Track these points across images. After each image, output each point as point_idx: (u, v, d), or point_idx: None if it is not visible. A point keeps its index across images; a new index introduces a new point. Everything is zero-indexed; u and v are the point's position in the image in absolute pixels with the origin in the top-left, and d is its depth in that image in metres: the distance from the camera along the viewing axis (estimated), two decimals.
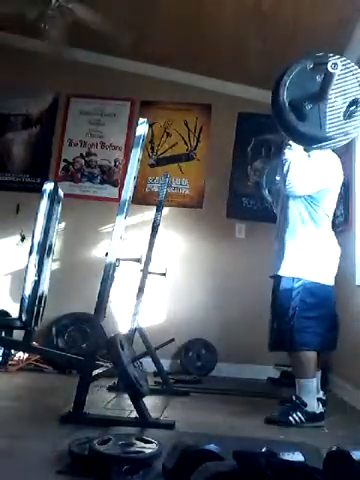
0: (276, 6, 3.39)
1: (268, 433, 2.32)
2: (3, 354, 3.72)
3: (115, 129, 4.74)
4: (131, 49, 4.23)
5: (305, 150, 2.59)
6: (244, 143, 4.61)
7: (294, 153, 2.52)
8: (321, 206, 2.67)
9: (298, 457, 1.33)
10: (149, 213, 4.22)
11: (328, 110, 2.03)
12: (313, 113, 2.02)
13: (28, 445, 1.84)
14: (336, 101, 2.04)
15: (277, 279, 2.66)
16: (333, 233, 2.75)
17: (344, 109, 2.03)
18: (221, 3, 3.55)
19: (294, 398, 2.58)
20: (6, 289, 4.40)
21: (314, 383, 2.58)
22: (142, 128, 2.58)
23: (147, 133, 2.75)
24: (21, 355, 3.82)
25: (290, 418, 2.48)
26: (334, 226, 4.00)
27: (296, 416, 2.48)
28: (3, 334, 3.55)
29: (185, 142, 4.71)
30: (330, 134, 2.05)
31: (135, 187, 2.61)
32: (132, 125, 4.58)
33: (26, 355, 3.79)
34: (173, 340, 2.80)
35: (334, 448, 1.36)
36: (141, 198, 4.45)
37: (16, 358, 3.81)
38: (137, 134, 2.58)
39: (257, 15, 3.53)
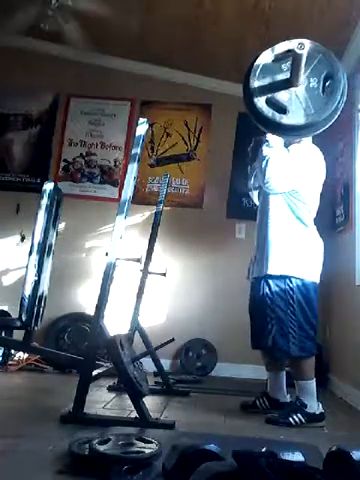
0: (276, 6, 3.39)
1: (268, 433, 2.32)
2: (3, 354, 3.72)
3: (115, 129, 4.74)
4: (131, 49, 4.24)
5: (285, 146, 2.56)
6: (244, 143, 4.59)
7: (273, 150, 2.49)
8: (303, 201, 2.62)
9: (298, 457, 1.33)
10: (149, 213, 4.23)
11: (306, 94, 1.99)
12: (292, 102, 1.98)
13: (28, 445, 1.84)
14: (310, 82, 2.00)
15: (265, 279, 2.59)
16: (316, 228, 2.69)
17: (321, 86, 2.00)
18: (221, 3, 3.55)
19: (294, 399, 2.58)
20: (6, 289, 4.40)
21: (314, 384, 2.58)
22: (142, 128, 2.58)
23: (147, 133, 2.75)
24: (21, 355, 3.82)
25: (290, 419, 2.47)
26: (334, 226, 4.03)
27: (296, 417, 2.48)
28: (3, 334, 3.55)
29: (185, 142, 4.71)
30: (318, 115, 2.01)
31: (135, 187, 2.61)
32: (132, 125, 4.58)
33: (26, 355, 3.80)
34: (173, 340, 2.80)
35: (334, 448, 1.36)
36: (141, 198, 4.45)
37: (16, 358, 3.82)
38: (137, 134, 2.57)
39: (257, 15, 3.53)
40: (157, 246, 3.58)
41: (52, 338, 4.18)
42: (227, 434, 2.19)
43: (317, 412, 2.52)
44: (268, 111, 1.99)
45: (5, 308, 4.12)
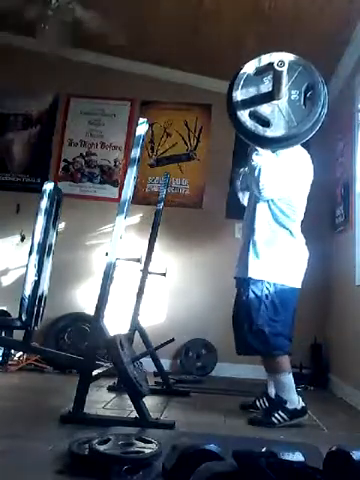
0: (276, 6, 3.39)
1: (268, 433, 2.32)
2: (3, 354, 3.72)
3: (115, 129, 4.74)
4: (131, 49, 4.24)
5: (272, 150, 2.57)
6: (244, 143, 4.58)
7: (262, 157, 2.48)
8: (290, 204, 2.64)
9: (298, 457, 1.32)
10: (149, 213, 4.23)
11: (288, 106, 2.01)
12: (275, 115, 2.02)
13: (28, 445, 1.84)
14: (292, 94, 2.02)
15: (245, 281, 2.63)
16: (302, 235, 2.71)
17: (302, 98, 2.02)
18: (221, 3, 3.55)
19: (274, 397, 2.59)
20: (6, 289, 4.40)
21: (291, 377, 2.56)
22: (142, 128, 2.58)
23: (147, 133, 2.75)
24: (21, 355, 3.82)
25: (273, 419, 2.47)
26: (334, 226, 4.03)
27: (279, 416, 2.47)
28: (3, 334, 3.55)
29: (185, 142, 4.71)
30: (301, 127, 2.03)
31: (135, 187, 2.61)
32: (132, 125, 4.58)
33: (26, 355, 3.79)
34: (173, 340, 2.80)
35: (334, 448, 1.36)
36: (141, 198, 4.45)
37: (16, 358, 3.82)
38: (137, 134, 2.57)
39: (257, 15, 3.53)
40: (157, 246, 3.59)
41: (52, 338, 4.18)
42: (227, 434, 2.19)
43: (298, 407, 2.51)
44: (252, 125, 2.02)
45: (5, 308, 4.12)
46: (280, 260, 2.60)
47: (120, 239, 2.42)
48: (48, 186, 2.48)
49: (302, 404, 2.54)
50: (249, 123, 2.02)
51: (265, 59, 2.02)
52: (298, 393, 2.59)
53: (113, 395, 3.01)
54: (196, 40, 4.03)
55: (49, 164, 4.71)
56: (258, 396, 2.83)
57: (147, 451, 1.61)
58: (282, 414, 2.48)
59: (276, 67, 1.85)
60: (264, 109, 2.02)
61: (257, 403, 2.78)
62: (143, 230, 4.01)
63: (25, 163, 4.77)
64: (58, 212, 2.66)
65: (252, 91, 2.04)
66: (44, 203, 2.45)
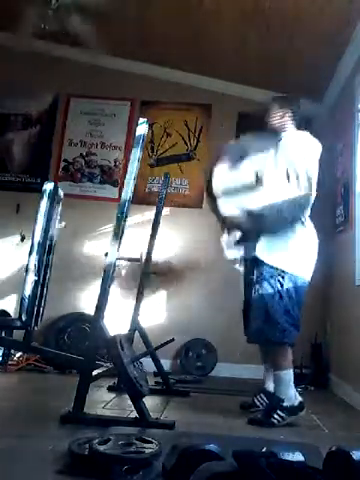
0: (276, 7, 3.39)
1: (268, 433, 2.32)
2: (3, 354, 3.72)
3: (115, 129, 4.74)
4: (131, 49, 4.25)
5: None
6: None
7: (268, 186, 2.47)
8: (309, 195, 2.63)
9: (298, 457, 1.32)
10: (149, 213, 4.22)
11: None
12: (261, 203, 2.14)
13: (28, 445, 1.84)
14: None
15: (259, 264, 2.59)
16: (311, 223, 2.69)
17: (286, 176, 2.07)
18: (221, 3, 3.55)
19: (272, 395, 2.60)
20: (6, 289, 4.40)
21: (291, 373, 2.56)
22: (142, 128, 2.58)
23: (147, 133, 2.75)
24: (21, 355, 3.82)
25: (272, 420, 2.47)
26: (334, 226, 4.03)
27: (278, 416, 2.47)
28: (3, 334, 3.55)
29: (185, 142, 4.71)
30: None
31: (135, 187, 2.61)
32: (132, 125, 4.58)
33: (26, 355, 3.79)
34: (173, 340, 2.80)
35: (334, 448, 1.36)
36: (141, 198, 4.45)
37: (16, 358, 3.82)
38: (137, 134, 2.57)
39: (257, 15, 3.53)
40: (157, 246, 3.58)
41: (52, 338, 4.18)
42: (227, 434, 2.19)
43: (295, 403, 2.52)
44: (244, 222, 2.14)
45: (5, 308, 4.12)
46: (294, 252, 2.59)
47: (120, 239, 2.42)
48: (48, 186, 2.48)
49: (299, 399, 2.54)
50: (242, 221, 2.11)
51: (235, 148, 2.10)
52: (298, 393, 2.59)
53: (113, 395, 3.01)
54: (196, 40, 4.03)
55: (49, 164, 4.71)
56: (255, 393, 2.83)
57: (147, 451, 1.61)
58: (281, 413, 2.48)
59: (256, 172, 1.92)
60: (249, 201, 2.10)
61: (256, 401, 2.79)
62: (143, 230, 4.00)
63: (25, 163, 4.77)
64: (58, 212, 2.65)
65: (236, 193, 2.11)
66: (44, 203, 2.45)
